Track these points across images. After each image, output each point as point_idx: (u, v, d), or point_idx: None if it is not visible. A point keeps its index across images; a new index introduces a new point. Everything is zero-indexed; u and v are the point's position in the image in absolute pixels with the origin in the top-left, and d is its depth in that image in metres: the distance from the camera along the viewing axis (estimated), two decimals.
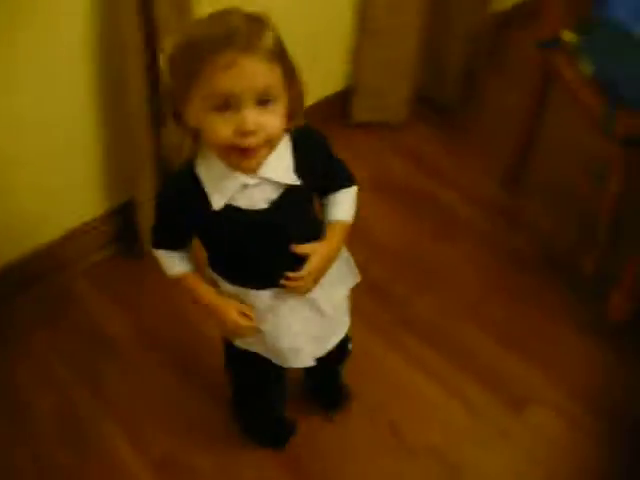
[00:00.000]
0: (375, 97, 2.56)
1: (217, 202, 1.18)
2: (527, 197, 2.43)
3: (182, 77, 1.09)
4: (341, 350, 1.59)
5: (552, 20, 2.07)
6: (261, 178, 1.17)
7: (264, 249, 1.26)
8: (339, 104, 2.60)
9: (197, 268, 1.37)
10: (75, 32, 1.77)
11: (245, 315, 1.32)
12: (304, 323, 1.37)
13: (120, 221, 2.14)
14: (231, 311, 1.31)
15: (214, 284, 1.36)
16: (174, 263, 1.33)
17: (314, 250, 1.30)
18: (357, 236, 1.52)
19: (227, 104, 1.06)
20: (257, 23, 1.07)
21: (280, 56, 1.08)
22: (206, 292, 1.33)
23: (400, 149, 2.56)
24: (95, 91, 1.89)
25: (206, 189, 1.18)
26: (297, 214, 1.26)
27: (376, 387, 1.84)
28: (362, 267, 1.49)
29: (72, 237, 2.07)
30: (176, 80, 1.10)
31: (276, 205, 1.21)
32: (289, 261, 1.28)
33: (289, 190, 1.21)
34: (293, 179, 1.20)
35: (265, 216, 1.21)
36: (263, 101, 1.08)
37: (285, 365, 1.44)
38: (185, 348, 1.93)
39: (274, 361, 1.44)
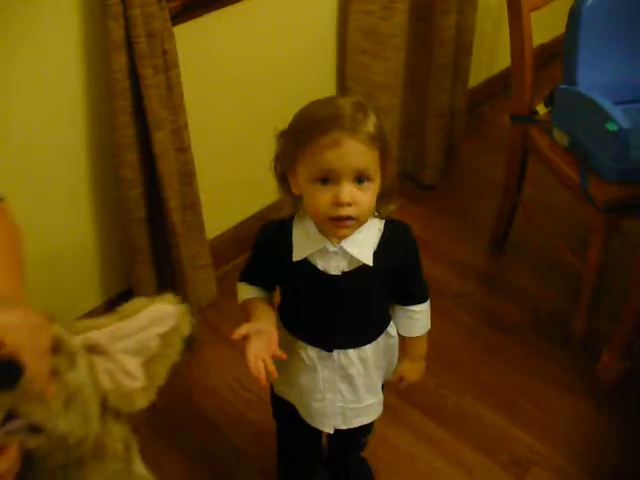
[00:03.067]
0: None
1: (297, 255, 1.29)
2: (513, 263, 2.50)
3: (292, 148, 1.22)
4: (357, 438, 1.66)
5: (524, 95, 2.16)
6: (341, 249, 1.27)
7: (325, 311, 1.35)
8: None
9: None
10: (69, 131, 1.83)
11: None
12: (336, 393, 1.44)
13: None
14: (250, 350, 1.27)
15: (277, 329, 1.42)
16: (247, 292, 1.41)
17: (405, 371, 1.51)
18: None
19: (328, 178, 1.18)
20: (361, 109, 1.19)
21: (378, 140, 1.19)
22: (251, 320, 1.34)
23: None
24: (90, 187, 1.95)
25: (293, 242, 1.30)
26: (363, 291, 1.34)
27: (378, 459, 1.86)
28: None
29: None
30: (287, 150, 1.23)
31: (346, 276, 1.29)
32: (345, 329, 1.37)
33: (362, 268, 1.29)
34: (368, 259, 1.28)
35: (333, 282, 1.30)
36: (359, 179, 1.19)
37: (308, 421, 1.51)
38: (193, 431, 1.95)
39: (301, 414, 1.51)
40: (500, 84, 3.20)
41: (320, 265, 1.29)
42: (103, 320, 1.08)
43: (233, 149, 2.26)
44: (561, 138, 2.05)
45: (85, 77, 1.79)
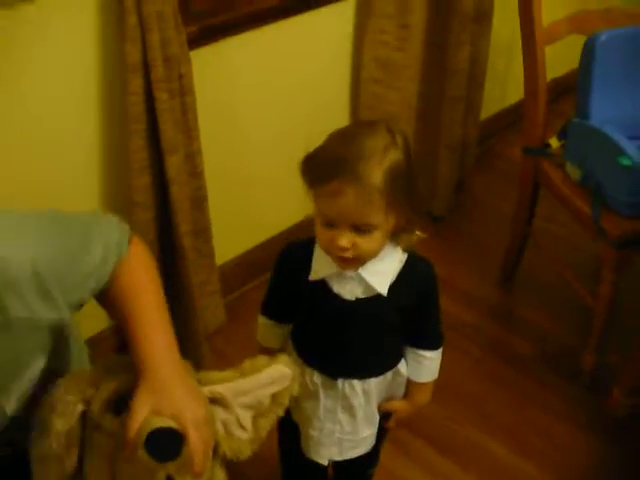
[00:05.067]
0: None
1: (314, 274, 1.29)
2: (522, 296, 2.49)
3: (306, 182, 1.20)
4: (363, 470, 1.64)
5: (537, 128, 2.16)
6: (358, 275, 1.26)
7: (334, 336, 1.34)
8: None
9: None
10: (83, 151, 1.83)
11: None
12: (335, 423, 1.41)
13: None
14: None
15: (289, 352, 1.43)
16: (266, 333, 1.46)
17: (399, 409, 1.46)
18: None
19: (329, 223, 1.18)
20: (378, 155, 1.14)
21: (388, 189, 1.14)
22: None
23: None
24: (102, 208, 1.94)
25: (313, 262, 1.30)
26: (375, 321, 1.32)
27: None
28: None
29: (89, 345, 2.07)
30: (305, 179, 1.21)
31: (359, 303, 1.28)
32: (353, 358, 1.35)
33: (377, 297, 1.27)
34: (383, 289, 1.27)
35: (346, 307, 1.29)
36: (358, 228, 1.17)
37: (304, 451, 1.49)
38: None
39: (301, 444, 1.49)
40: (511, 117, 3.21)
41: (335, 288, 1.28)
42: (227, 374, 1.16)
43: (245, 175, 2.26)
44: (573, 172, 2.05)
45: (100, 99, 1.79)
